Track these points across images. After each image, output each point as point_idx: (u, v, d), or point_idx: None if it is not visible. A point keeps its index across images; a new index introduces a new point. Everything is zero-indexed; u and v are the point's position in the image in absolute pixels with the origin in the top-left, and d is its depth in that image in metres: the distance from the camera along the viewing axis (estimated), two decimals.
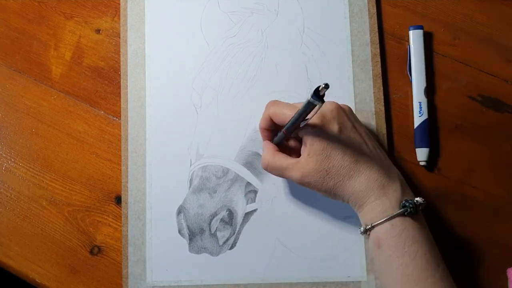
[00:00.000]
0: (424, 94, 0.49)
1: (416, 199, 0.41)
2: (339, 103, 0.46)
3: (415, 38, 0.50)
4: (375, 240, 0.41)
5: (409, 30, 0.50)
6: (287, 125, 0.42)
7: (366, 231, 0.41)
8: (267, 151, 0.44)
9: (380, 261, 0.41)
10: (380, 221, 0.40)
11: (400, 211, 0.40)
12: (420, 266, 0.39)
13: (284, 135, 0.43)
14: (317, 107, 0.37)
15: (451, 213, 0.48)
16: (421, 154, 0.48)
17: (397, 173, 0.43)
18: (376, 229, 0.40)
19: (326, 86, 0.35)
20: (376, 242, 0.41)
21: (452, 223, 0.48)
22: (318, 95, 0.36)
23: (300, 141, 0.44)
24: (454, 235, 0.48)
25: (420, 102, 0.49)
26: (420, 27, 0.50)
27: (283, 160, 0.43)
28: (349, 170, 0.41)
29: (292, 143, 0.46)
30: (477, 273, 0.47)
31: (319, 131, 0.41)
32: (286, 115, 0.42)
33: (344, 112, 0.42)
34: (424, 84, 0.49)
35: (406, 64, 0.50)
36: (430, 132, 0.49)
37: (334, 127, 0.41)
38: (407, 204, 0.40)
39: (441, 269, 0.40)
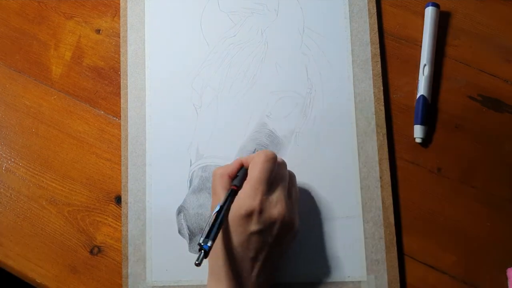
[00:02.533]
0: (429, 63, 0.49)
1: None
2: (339, 103, 0.46)
3: (430, 14, 0.50)
4: None
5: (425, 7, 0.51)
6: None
7: None
8: (225, 170, 0.43)
9: None
10: None
11: None
12: None
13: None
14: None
15: (451, 213, 0.48)
16: (417, 131, 0.49)
17: None
18: None
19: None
20: None
21: (452, 223, 0.48)
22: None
23: None
24: (453, 234, 0.48)
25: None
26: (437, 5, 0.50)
27: (221, 189, 0.41)
28: (218, 261, 0.40)
29: None
30: (477, 273, 0.47)
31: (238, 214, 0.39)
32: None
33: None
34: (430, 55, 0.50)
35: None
36: (428, 111, 0.49)
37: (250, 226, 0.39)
38: None
39: None
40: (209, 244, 0.36)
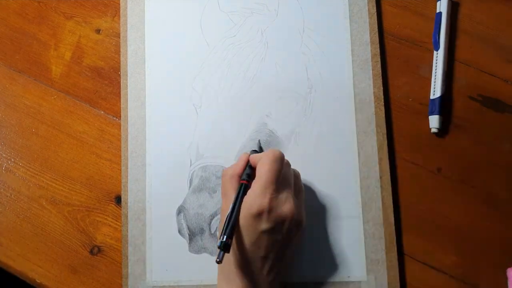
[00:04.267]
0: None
1: None
2: (339, 103, 0.46)
3: (444, 7, 0.50)
4: None
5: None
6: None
7: None
8: (235, 171, 0.43)
9: None
10: None
11: None
12: None
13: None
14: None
15: (451, 213, 0.48)
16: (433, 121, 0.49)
17: None
18: None
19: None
20: None
21: (452, 223, 0.48)
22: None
23: None
24: (453, 234, 0.48)
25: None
26: None
27: (233, 192, 0.42)
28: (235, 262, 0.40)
29: None
30: (477, 273, 0.47)
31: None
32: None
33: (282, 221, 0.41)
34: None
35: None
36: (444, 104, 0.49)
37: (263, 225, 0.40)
38: None
39: None
40: (227, 241, 0.37)
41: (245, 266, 0.40)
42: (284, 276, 0.45)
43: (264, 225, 0.39)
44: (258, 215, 0.39)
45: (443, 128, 0.50)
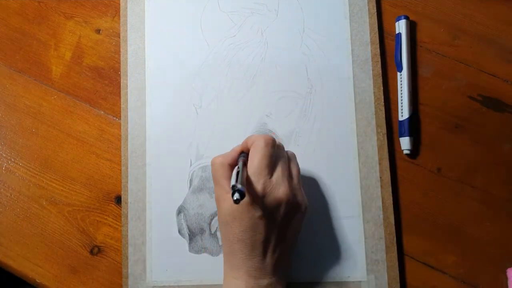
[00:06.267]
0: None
1: None
2: (339, 103, 0.46)
3: (403, 28, 0.50)
4: None
5: (396, 21, 0.51)
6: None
7: None
8: (225, 159, 0.42)
9: None
10: None
11: None
12: None
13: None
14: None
15: (451, 213, 0.48)
16: (405, 143, 0.49)
17: (272, 274, 0.41)
18: None
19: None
20: None
21: (452, 223, 0.48)
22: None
23: None
24: (453, 234, 0.48)
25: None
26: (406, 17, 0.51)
27: (223, 179, 0.41)
28: (238, 242, 0.40)
29: None
30: (477, 273, 0.47)
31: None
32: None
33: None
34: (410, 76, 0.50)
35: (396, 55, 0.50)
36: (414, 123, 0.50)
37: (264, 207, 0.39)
38: None
39: None
40: (239, 187, 0.35)
41: (247, 251, 0.40)
42: (287, 258, 0.43)
43: (259, 212, 0.39)
44: (252, 203, 0.39)
45: (444, 128, 0.50)
